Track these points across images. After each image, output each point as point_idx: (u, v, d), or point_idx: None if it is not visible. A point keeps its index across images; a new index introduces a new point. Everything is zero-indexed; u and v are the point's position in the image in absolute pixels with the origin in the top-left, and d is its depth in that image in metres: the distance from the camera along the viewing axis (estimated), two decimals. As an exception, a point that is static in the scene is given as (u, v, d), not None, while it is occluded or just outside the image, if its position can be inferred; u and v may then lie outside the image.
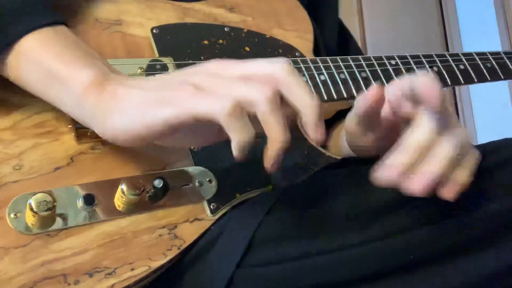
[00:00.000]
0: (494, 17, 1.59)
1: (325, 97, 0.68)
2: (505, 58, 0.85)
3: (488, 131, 1.58)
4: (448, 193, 0.44)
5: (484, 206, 0.46)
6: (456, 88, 1.65)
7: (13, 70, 0.48)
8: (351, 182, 0.54)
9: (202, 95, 0.43)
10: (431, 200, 0.48)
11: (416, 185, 0.43)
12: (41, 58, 0.47)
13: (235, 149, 0.43)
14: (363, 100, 0.48)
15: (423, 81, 0.44)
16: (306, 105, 0.45)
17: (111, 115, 0.45)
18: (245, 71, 0.46)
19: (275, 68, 0.45)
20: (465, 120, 1.59)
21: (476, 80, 0.81)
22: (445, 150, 0.44)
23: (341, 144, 0.71)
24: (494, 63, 0.83)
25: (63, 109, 0.49)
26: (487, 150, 0.50)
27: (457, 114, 1.63)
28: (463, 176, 0.45)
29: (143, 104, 0.44)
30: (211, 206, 0.55)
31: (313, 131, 0.45)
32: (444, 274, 0.47)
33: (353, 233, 0.50)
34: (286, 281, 0.50)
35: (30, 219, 0.48)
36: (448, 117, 0.46)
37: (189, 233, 0.53)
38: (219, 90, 0.44)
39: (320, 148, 0.65)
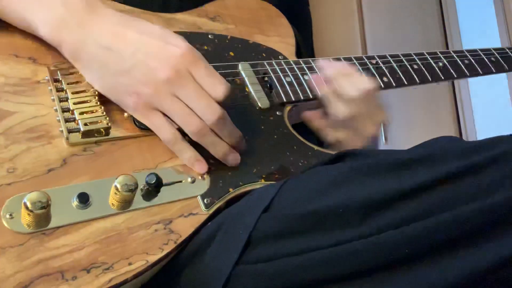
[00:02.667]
0: (494, 17, 1.60)
1: (310, 96, 0.70)
2: (482, 55, 0.87)
3: (488, 131, 1.57)
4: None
5: (479, 200, 0.47)
6: (456, 88, 1.65)
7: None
8: (346, 177, 0.55)
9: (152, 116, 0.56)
10: (427, 194, 0.49)
11: None
12: None
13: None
14: None
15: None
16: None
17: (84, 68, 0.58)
18: (190, 99, 0.55)
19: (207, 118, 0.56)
20: (465, 120, 1.59)
21: (455, 76, 0.83)
22: None
23: None
24: (472, 60, 0.85)
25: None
26: (483, 146, 0.51)
27: (457, 114, 1.62)
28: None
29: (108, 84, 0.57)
30: (205, 201, 0.56)
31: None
32: (441, 268, 0.47)
33: (350, 228, 0.50)
34: (285, 277, 0.50)
35: (25, 218, 0.48)
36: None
37: (185, 227, 0.54)
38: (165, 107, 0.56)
39: (310, 144, 0.66)
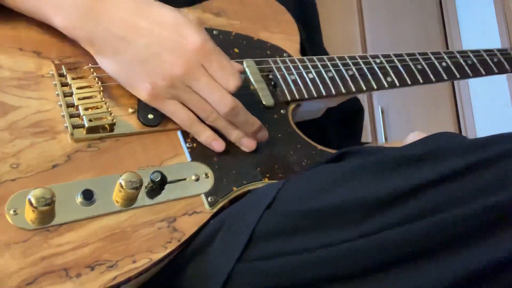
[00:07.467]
0: (494, 17, 1.61)
1: (315, 94, 0.69)
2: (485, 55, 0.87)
3: (488, 131, 1.58)
4: None
5: (480, 199, 0.47)
6: (456, 88, 1.66)
7: None
8: (350, 175, 0.54)
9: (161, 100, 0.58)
10: (430, 192, 0.49)
11: None
12: None
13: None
14: None
15: None
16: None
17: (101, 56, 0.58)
18: (203, 92, 0.59)
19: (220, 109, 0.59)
20: (465, 120, 1.60)
21: (458, 76, 0.83)
22: None
23: None
24: (475, 60, 0.85)
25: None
26: (483, 144, 0.51)
27: (457, 114, 1.63)
28: None
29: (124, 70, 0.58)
30: (209, 199, 0.56)
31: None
32: (442, 267, 0.47)
33: (352, 226, 0.50)
34: (287, 275, 0.50)
35: (29, 215, 0.48)
36: None
37: (188, 225, 0.54)
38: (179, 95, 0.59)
39: (314, 143, 0.66)
